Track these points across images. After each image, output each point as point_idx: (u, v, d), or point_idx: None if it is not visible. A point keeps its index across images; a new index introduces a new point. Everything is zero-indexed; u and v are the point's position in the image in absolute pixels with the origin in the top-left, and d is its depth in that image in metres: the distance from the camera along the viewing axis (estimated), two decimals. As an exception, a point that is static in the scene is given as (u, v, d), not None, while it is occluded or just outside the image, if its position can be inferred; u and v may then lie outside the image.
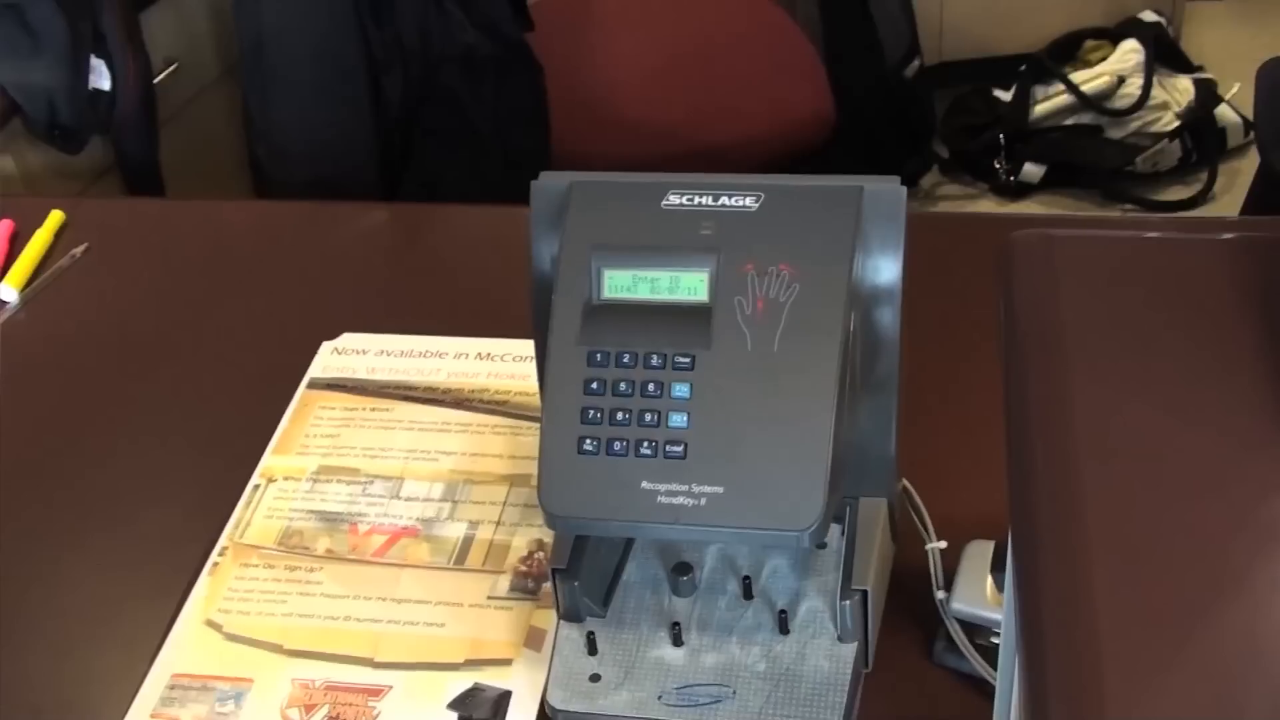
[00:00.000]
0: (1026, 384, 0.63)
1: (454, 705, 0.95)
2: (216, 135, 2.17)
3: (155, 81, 1.99)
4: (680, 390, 0.81)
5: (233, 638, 1.02)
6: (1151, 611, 0.53)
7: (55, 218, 1.49)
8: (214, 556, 1.08)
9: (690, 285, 0.83)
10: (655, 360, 0.82)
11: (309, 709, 0.96)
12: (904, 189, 0.84)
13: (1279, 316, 0.63)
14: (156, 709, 0.98)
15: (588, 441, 0.82)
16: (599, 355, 0.83)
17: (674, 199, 0.85)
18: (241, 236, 1.50)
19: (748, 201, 0.85)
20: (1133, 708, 0.49)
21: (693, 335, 0.82)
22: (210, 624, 1.03)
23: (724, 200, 0.85)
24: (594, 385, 0.83)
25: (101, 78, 1.88)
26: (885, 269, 0.84)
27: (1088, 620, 0.53)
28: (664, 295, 0.84)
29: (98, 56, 1.87)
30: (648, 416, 0.82)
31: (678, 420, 0.81)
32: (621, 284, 0.84)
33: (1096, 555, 0.55)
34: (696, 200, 0.85)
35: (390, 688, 0.97)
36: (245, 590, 1.05)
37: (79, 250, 1.45)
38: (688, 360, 0.82)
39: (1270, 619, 0.54)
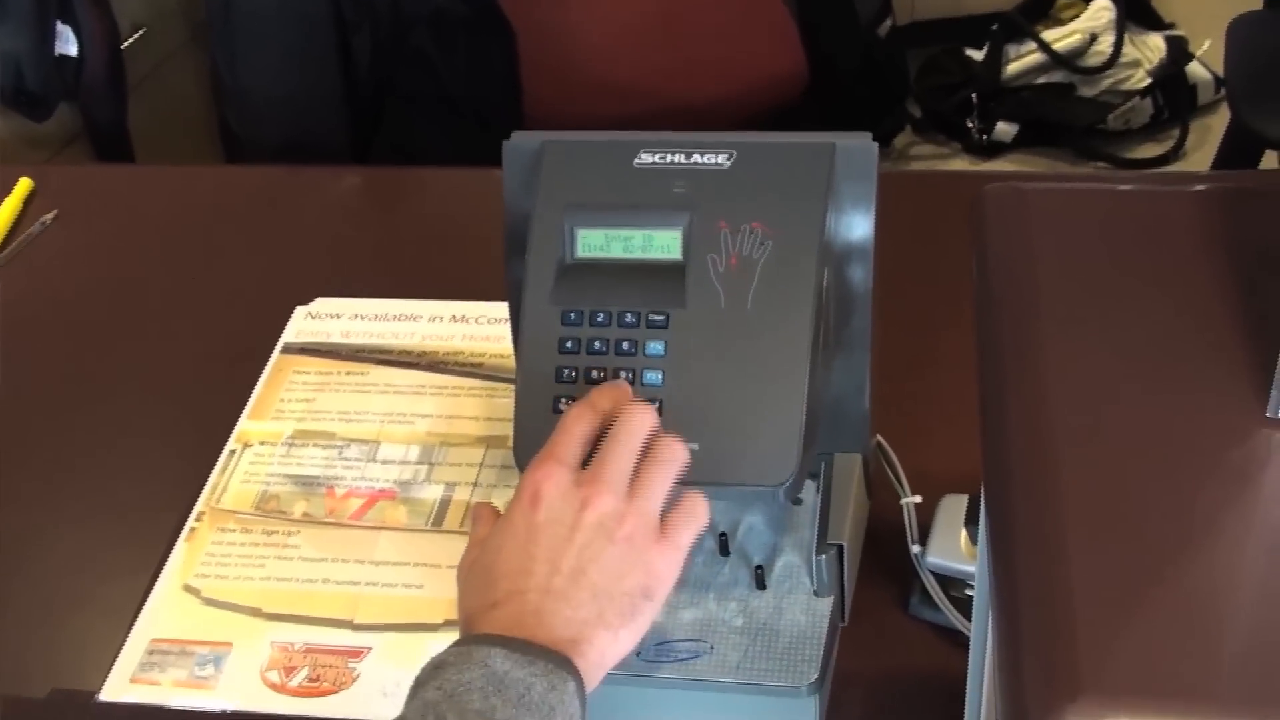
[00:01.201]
0: (999, 336, 0.64)
1: (433, 666, 0.96)
2: (185, 100, 2.16)
3: (123, 47, 1.97)
4: (655, 348, 0.81)
5: (211, 602, 1.02)
6: (1124, 561, 0.54)
7: (24, 185, 1.48)
8: (190, 522, 1.08)
9: (663, 243, 0.83)
10: (629, 319, 0.82)
11: (289, 671, 0.97)
12: (875, 145, 0.84)
13: (1248, 265, 0.64)
14: (136, 674, 0.98)
15: (563, 401, 0.82)
16: (573, 314, 0.83)
17: (646, 158, 0.85)
18: (213, 202, 1.49)
19: (720, 159, 0.85)
20: (1105, 657, 0.50)
21: (666, 293, 0.82)
22: (188, 589, 1.03)
23: (696, 158, 0.85)
24: (568, 344, 0.83)
25: (68, 43, 1.86)
26: (858, 225, 0.84)
27: (1060, 571, 0.53)
28: (637, 254, 0.84)
29: (64, 22, 1.85)
30: (622, 374, 0.82)
31: (652, 378, 0.81)
32: (595, 243, 0.84)
33: (1069, 506, 0.56)
34: (669, 159, 0.85)
35: (369, 649, 0.97)
36: (223, 555, 1.05)
37: (48, 217, 1.45)
38: (662, 318, 0.82)
39: (1241, 565, 0.55)
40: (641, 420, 0.78)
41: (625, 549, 0.75)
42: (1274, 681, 0.49)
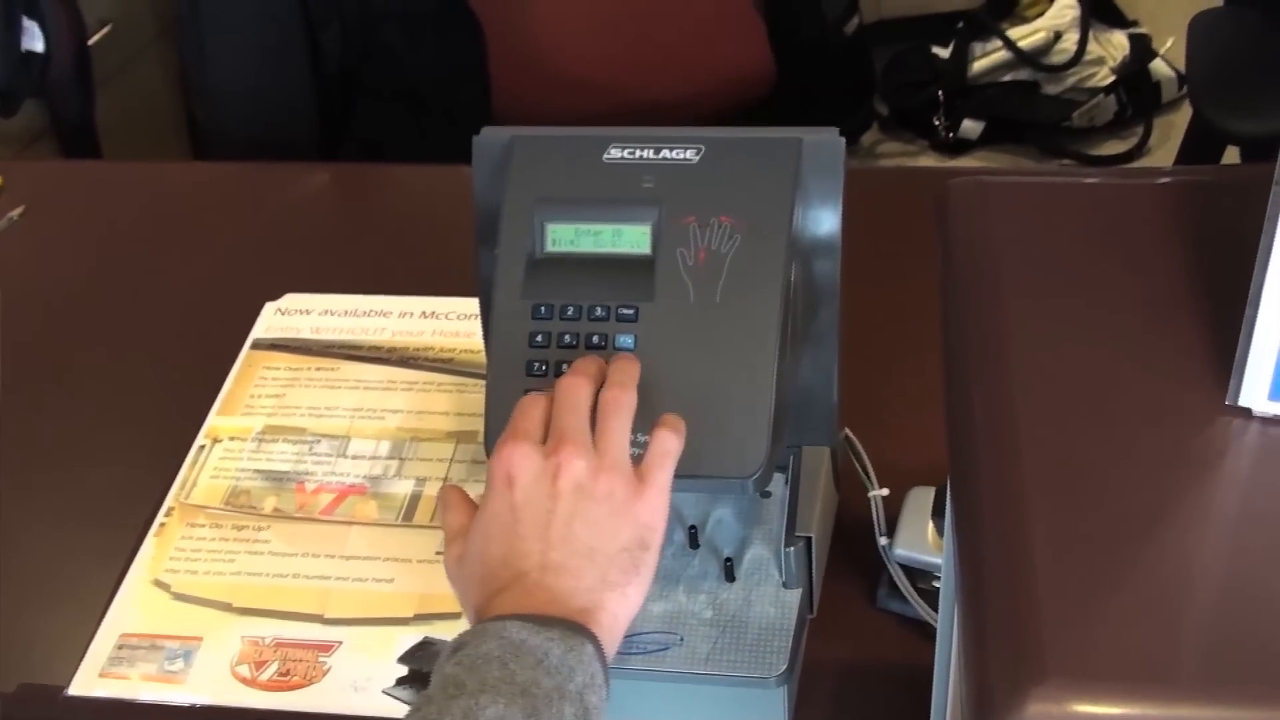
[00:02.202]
0: (963, 329, 0.65)
1: (404, 659, 0.96)
2: (154, 96, 2.15)
3: (90, 43, 1.96)
4: (624, 341, 0.82)
5: (181, 597, 1.02)
6: (1087, 548, 0.54)
7: (-10, 181, 1.48)
8: (160, 517, 1.08)
9: (632, 238, 0.84)
10: (599, 312, 0.83)
11: (259, 665, 0.97)
12: (842, 140, 0.85)
13: (1208, 256, 0.65)
14: (105, 668, 0.98)
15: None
16: (543, 308, 0.83)
17: (615, 152, 0.86)
18: (182, 198, 1.49)
19: (688, 154, 0.85)
20: (1069, 642, 0.51)
21: (636, 287, 0.83)
22: (158, 584, 1.03)
23: (665, 153, 0.85)
24: (538, 338, 0.83)
25: (34, 39, 1.86)
26: (825, 220, 0.85)
27: (1024, 558, 0.54)
28: (607, 248, 0.84)
29: (30, 18, 1.85)
30: (592, 368, 0.82)
31: (622, 371, 0.81)
32: (564, 237, 0.85)
33: (1032, 495, 0.56)
34: (638, 153, 0.86)
35: (340, 643, 0.98)
36: (193, 550, 1.05)
37: (15, 213, 1.44)
38: (631, 312, 0.82)
39: (1202, 551, 0.56)
40: (574, 387, 0.78)
41: (608, 506, 0.75)
42: (1233, 663, 0.50)
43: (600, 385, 0.79)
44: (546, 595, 0.73)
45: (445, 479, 1.08)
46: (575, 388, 0.78)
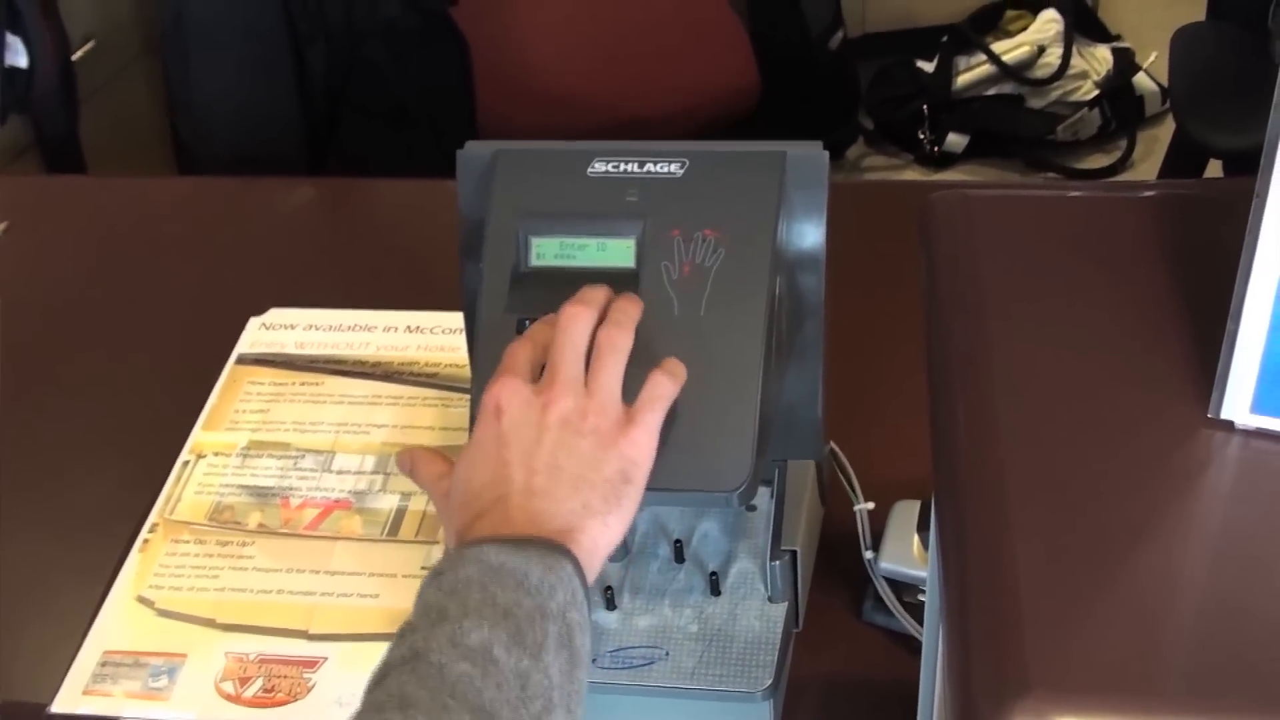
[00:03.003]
0: (947, 342, 0.65)
1: (389, 675, 0.96)
2: (138, 112, 2.15)
3: (74, 58, 1.96)
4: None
5: (165, 613, 1.02)
6: (1070, 561, 0.55)
7: (-26, 197, 1.47)
8: (144, 533, 1.07)
9: (617, 251, 0.84)
10: (583, 326, 0.83)
11: (243, 682, 0.96)
12: (826, 154, 0.85)
13: (1190, 269, 0.65)
14: (89, 685, 0.97)
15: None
16: (528, 322, 0.83)
17: (600, 166, 0.86)
18: (166, 213, 1.49)
19: (673, 168, 0.85)
20: (1053, 655, 0.51)
21: (620, 301, 0.83)
22: (142, 600, 1.03)
23: (649, 167, 0.85)
24: (523, 352, 0.83)
25: (18, 55, 1.85)
26: (809, 233, 0.85)
27: (1008, 571, 0.54)
28: (591, 262, 0.84)
29: (13, 33, 1.85)
30: (577, 382, 0.82)
31: (607, 385, 0.81)
32: (549, 251, 0.85)
33: (1016, 508, 0.56)
34: (622, 167, 0.86)
35: (325, 659, 0.97)
36: (177, 566, 1.05)
37: (-1, 229, 1.44)
38: (616, 325, 0.82)
39: (1184, 563, 0.56)
40: (574, 320, 0.79)
41: (594, 440, 0.75)
42: (1215, 676, 0.50)
43: (602, 319, 0.80)
44: (525, 517, 0.73)
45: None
46: (575, 318, 0.79)
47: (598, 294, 0.81)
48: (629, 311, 0.80)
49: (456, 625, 0.67)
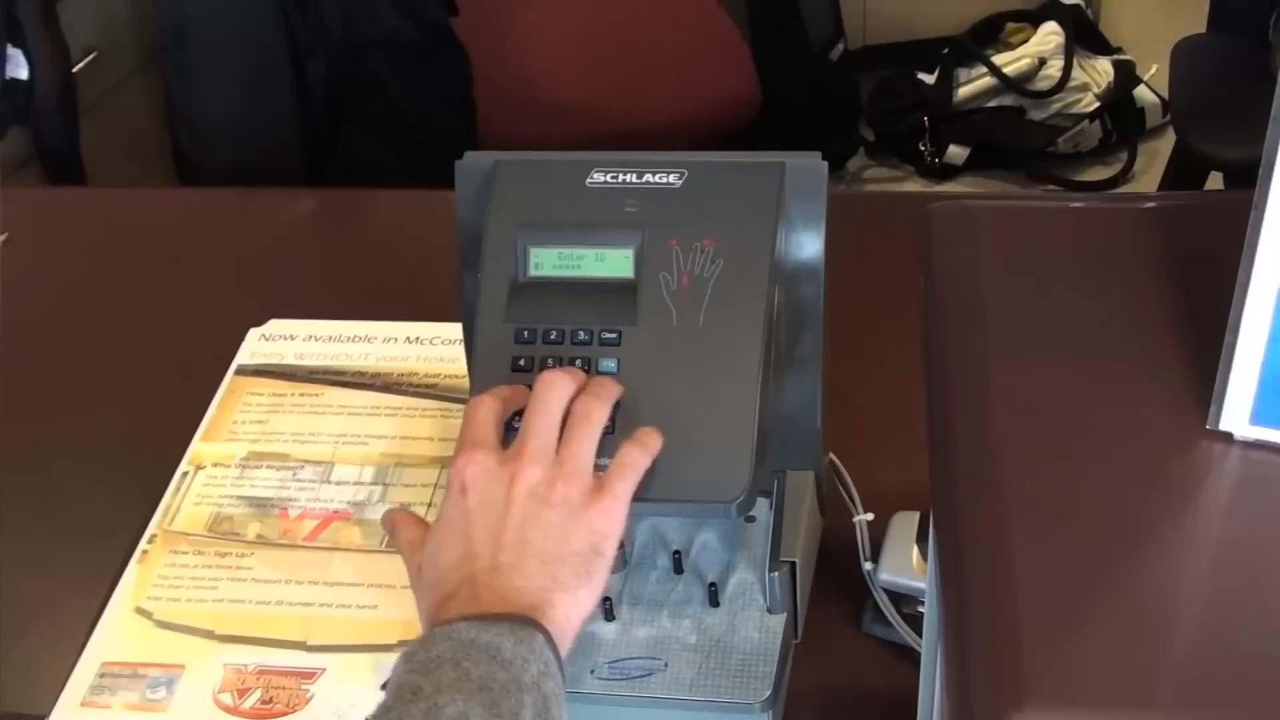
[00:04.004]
0: (945, 353, 0.65)
1: (386, 686, 0.95)
2: (138, 124, 2.15)
3: (74, 70, 1.96)
4: (607, 365, 0.82)
5: (163, 625, 1.01)
6: (1068, 573, 0.54)
7: (-26, 208, 1.47)
8: (143, 544, 1.07)
9: (615, 262, 0.84)
10: (582, 336, 0.83)
11: (241, 693, 0.96)
12: (825, 164, 0.85)
13: (1189, 281, 0.65)
14: (87, 697, 0.97)
15: (516, 419, 0.82)
16: (526, 333, 0.83)
17: (598, 177, 0.86)
18: (166, 224, 1.49)
19: (671, 178, 0.85)
20: (1050, 666, 0.51)
21: (619, 311, 0.83)
22: (140, 611, 1.02)
23: (648, 177, 0.85)
24: (521, 362, 0.83)
25: (18, 67, 1.86)
26: (808, 244, 0.85)
27: (1005, 582, 0.54)
28: (590, 272, 0.84)
29: (14, 46, 1.85)
30: (575, 392, 0.82)
31: (605, 395, 0.81)
32: (547, 262, 0.85)
33: (1013, 519, 0.56)
34: (620, 178, 0.86)
35: (323, 670, 0.97)
36: (175, 577, 1.05)
37: (-1, 240, 1.44)
38: (614, 336, 0.82)
39: (1182, 575, 0.56)
40: (551, 386, 0.78)
41: (563, 512, 0.75)
42: (1213, 687, 0.50)
43: (579, 391, 0.79)
44: (494, 596, 0.72)
45: (429, 505, 1.08)
46: (552, 384, 0.79)
47: (578, 371, 0.81)
48: (608, 386, 0.80)
49: (431, 701, 0.66)
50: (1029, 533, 0.56)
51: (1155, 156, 2.70)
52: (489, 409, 0.78)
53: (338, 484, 1.11)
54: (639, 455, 0.78)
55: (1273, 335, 0.56)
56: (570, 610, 0.74)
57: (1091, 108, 2.70)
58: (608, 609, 0.91)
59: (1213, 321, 0.58)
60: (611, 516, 0.76)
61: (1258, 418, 0.58)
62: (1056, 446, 0.59)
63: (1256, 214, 0.55)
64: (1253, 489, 0.58)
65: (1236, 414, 0.58)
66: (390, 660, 0.95)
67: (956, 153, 2.73)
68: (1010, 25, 2.81)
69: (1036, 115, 2.72)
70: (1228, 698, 0.49)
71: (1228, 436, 0.59)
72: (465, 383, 1.00)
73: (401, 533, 0.81)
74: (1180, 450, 0.58)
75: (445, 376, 1.20)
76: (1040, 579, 0.54)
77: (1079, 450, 0.59)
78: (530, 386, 0.81)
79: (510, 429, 0.80)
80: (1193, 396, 0.59)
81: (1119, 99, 2.72)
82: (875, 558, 0.95)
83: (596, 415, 0.78)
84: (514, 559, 0.74)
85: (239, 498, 1.10)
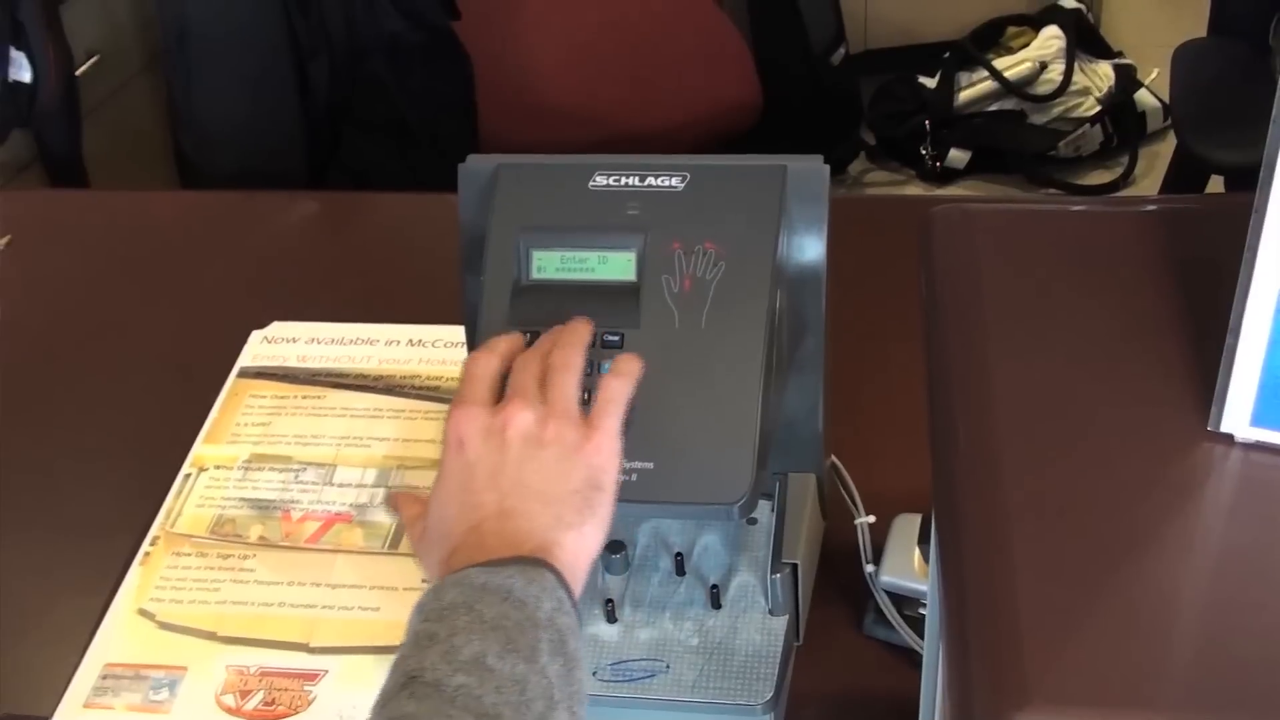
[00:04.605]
0: (946, 355, 0.65)
1: (390, 688, 0.96)
2: (141, 127, 2.15)
3: (77, 73, 1.97)
4: (609, 368, 0.82)
5: (166, 626, 1.02)
6: (1069, 573, 0.55)
7: (-23, 210, 1.47)
8: (145, 546, 1.08)
9: (618, 265, 0.84)
10: (584, 338, 0.83)
11: (244, 695, 0.96)
12: (827, 168, 0.85)
13: (1189, 283, 0.65)
14: (90, 699, 0.97)
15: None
16: (529, 335, 0.83)
17: (601, 180, 0.86)
18: (168, 227, 1.49)
19: (674, 181, 0.85)
20: (1052, 667, 0.51)
21: (621, 314, 0.83)
22: (143, 613, 1.03)
23: (650, 180, 0.86)
24: (524, 365, 0.83)
25: (21, 70, 1.86)
26: (810, 247, 0.85)
27: (1007, 583, 0.54)
28: (592, 275, 0.85)
29: (17, 49, 1.85)
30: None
31: (607, 397, 0.81)
32: (550, 264, 0.85)
33: (1015, 521, 0.57)
34: (623, 181, 0.86)
35: (326, 672, 0.97)
36: (178, 579, 1.05)
37: (2, 243, 1.44)
38: (616, 338, 0.83)
39: (1183, 576, 0.56)
40: (528, 351, 0.79)
41: (557, 450, 0.75)
42: (1214, 688, 0.50)
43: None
44: (500, 541, 0.73)
45: (431, 507, 1.08)
46: (527, 353, 0.80)
47: (547, 336, 0.81)
48: (577, 331, 0.81)
49: (447, 644, 0.67)
50: (1030, 534, 0.56)
51: (1156, 160, 2.70)
52: (485, 365, 0.79)
53: (340, 486, 1.11)
54: (620, 385, 0.79)
55: (1273, 337, 0.56)
56: (578, 547, 0.74)
57: (1092, 112, 2.71)
58: (610, 611, 0.92)
59: (1213, 323, 0.58)
60: (605, 451, 0.76)
61: (1258, 419, 0.58)
62: (1058, 449, 0.60)
63: (1257, 217, 0.55)
64: (1253, 490, 0.58)
65: (1237, 416, 0.58)
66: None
67: (957, 156, 2.73)
68: (1011, 29, 2.81)
69: (1037, 119, 2.72)
70: (1228, 698, 0.50)
71: (1228, 438, 0.59)
72: (467, 385, 1.01)
73: (404, 509, 0.82)
74: (1181, 452, 0.59)
75: (447, 379, 1.20)
76: (1041, 580, 0.54)
77: (1080, 452, 0.59)
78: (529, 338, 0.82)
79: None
80: (1194, 398, 0.60)
81: (1120, 103, 2.72)
82: (877, 560, 0.95)
83: (573, 360, 0.79)
84: (517, 503, 0.74)
85: (241, 500, 1.11)
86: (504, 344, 0.81)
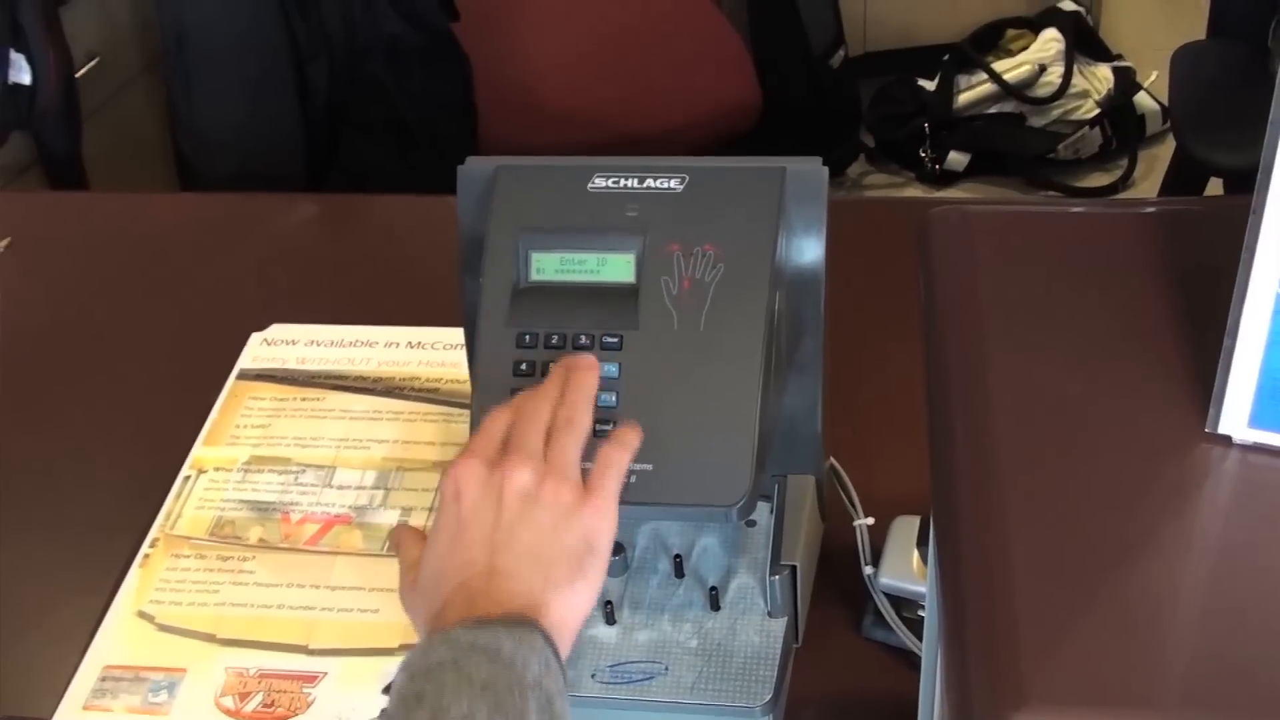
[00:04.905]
0: (945, 356, 0.65)
1: (389, 690, 0.96)
2: (140, 129, 2.15)
3: (77, 75, 1.97)
4: (609, 369, 0.82)
5: (165, 628, 1.02)
6: (1067, 574, 0.55)
7: (-23, 212, 1.47)
8: (145, 548, 1.08)
9: (617, 266, 0.84)
10: (583, 340, 0.83)
11: (243, 697, 0.96)
12: (825, 169, 0.85)
13: (1187, 284, 0.65)
14: (89, 701, 0.97)
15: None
16: (528, 336, 0.84)
17: (600, 182, 0.86)
18: (168, 229, 1.49)
19: (672, 183, 0.86)
20: (1049, 667, 0.51)
21: (620, 316, 0.83)
22: (142, 615, 1.03)
23: (649, 182, 0.86)
24: (523, 366, 0.83)
25: (21, 72, 1.86)
26: (809, 248, 0.85)
27: (1005, 584, 0.54)
28: (591, 276, 0.85)
29: (16, 51, 1.85)
30: (577, 396, 0.82)
31: (606, 399, 0.82)
32: (549, 266, 0.85)
33: (1013, 522, 0.57)
34: (622, 183, 0.86)
35: (325, 674, 0.97)
36: (177, 581, 1.05)
37: (1, 245, 1.44)
38: (615, 340, 0.83)
39: (1180, 576, 0.56)
40: (536, 397, 0.79)
41: (552, 511, 0.75)
42: (1211, 688, 0.50)
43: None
44: (490, 599, 0.73)
45: (430, 509, 1.08)
46: (534, 398, 0.79)
47: (556, 376, 0.80)
48: (583, 388, 0.80)
49: (435, 704, 0.66)
50: (1028, 535, 0.56)
51: (1155, 163, 2.70)
52: (501, 422, 0.79)
53: (339, 488, 1.11)
54: (620, 453, 0.78)
55: (1271, 339, 0.57)
56: (566, 609, 0.74)
57: (1091, 114, 2.71)
58: (609, 613, 0.92)
59: (1212, 325, 0.58)
60: (602, 514, 0.76)
61: (1256, 421, 0.58)
62: (1056, 450, 0.60)
63: (1254, 218, 0.55)
64: (1251, 491, 0.58)
65: (1235, 417, 0.58)
66: (392, 664, 0.96)
67: (957, 159, 2.73)
68: (1010, 32, 2.81)
69: (1037, 122, 2.72)
70: (1224, 698, 0.50)
71: (1226, 439, 0.59)
72: (467, 387, 1.01)
73: (404, 551, 0.81)
74: (1179, 453, 0.59)
75: (447, 381, 1.20)
76: (1039, 581, 0.54)
77: (1078, 454, 0.59)
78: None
79: None
80: (1192, 400, 0.60)
81: (1119, 105, 2.72)
82: (876, 562, 0.95)
83: (579, 418, 0.78)
84: (508, 561, 0.74)
85: (241, 502, 1.11)
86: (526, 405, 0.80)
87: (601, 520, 0.76)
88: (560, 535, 0.75)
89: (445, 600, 0.74)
